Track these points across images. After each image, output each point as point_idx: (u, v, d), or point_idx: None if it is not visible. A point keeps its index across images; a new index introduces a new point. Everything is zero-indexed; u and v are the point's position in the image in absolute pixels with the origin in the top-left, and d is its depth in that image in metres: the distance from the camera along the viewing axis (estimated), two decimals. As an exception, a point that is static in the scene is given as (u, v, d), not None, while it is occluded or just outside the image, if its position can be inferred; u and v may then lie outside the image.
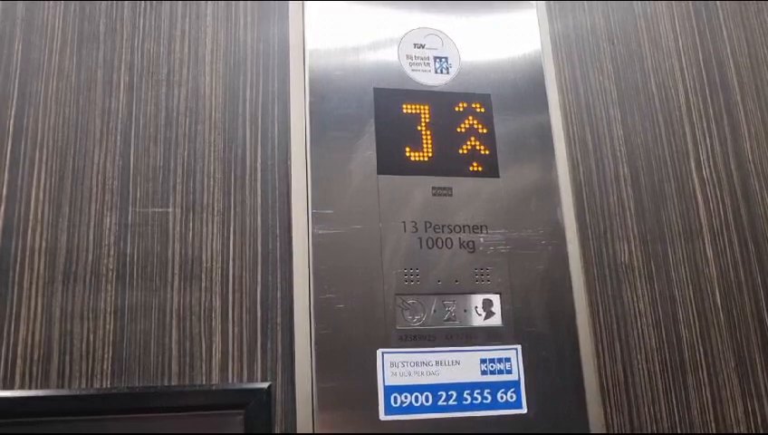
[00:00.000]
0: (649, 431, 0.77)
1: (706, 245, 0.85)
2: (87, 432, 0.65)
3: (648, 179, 0.86)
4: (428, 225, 0.77)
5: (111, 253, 0.71)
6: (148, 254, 0.71)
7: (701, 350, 0.81)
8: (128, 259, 0.71)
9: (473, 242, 0.77)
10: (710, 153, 0.88)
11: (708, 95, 0.91)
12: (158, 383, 0.68)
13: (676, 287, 0.82)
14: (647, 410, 0.77)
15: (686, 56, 0.92)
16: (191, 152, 0.75)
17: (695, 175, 0.87)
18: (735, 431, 0.79)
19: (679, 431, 0.77)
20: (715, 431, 0.78)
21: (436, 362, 0.73)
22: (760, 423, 0.79)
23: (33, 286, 0.68)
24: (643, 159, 0.86)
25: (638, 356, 0.79)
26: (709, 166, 0.88)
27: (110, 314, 0.69)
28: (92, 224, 0.71)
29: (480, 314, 0.75)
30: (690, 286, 0.83)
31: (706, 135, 0.89)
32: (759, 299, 0.84)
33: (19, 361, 0.66)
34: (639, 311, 0.81)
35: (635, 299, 0.81)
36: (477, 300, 0.76)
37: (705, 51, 0.93)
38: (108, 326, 0.69)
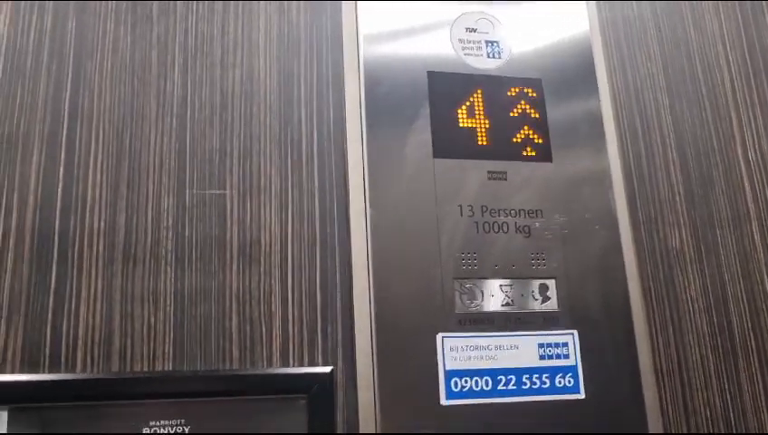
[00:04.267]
0: (703, 416, 0.77)
1: (754, 230, 0.85)
2: (149, 414, 0.64)
3: (697, 165, 0.86)
4: (485, 209, 0.76)
5: (170, 235, 0.70)
6: (207, 236, 0.70)
7: (752, 335, 0.81)
8: (186, 241, 0.70)
9: (528, 227, 0.77)
10: (756, 139, 0.88)
11: (753, 81, 0.91)
12: (219, 367, 0.67)
13: (726, 273, 0.82)
14: (700, 394, 0.77)
15: (730, 42, 0.92)
16: (247, 135, 0.74)
17: (741, 160, 0.87)
18: (786, 417, 0.79)
19: (732, 417, 0.77)
20: (766, 417, 0.78)
21: (495, 347, 0.72)
22: (810, 409, 0.80)
23: (93, 267, 0.67)
24: (691, 145, 0.86)
25: (691, 341, 0.79)
26: (755, 151, 0.88)
27: (170, 296, 0.68)
28: (150, 205, 0.70)
29: (537, 299, 0.75)
30: (739, 272, 0.83)
31: (752, 121, 0.89)
32: (806, 285, 0.84)
33: (80, 343, 0.65)
34: (691, 296, 0.81)
35: (686, 284, 0.81)
36: (534, 285, 0.75)
37: (748, 37, 0.93)
38: (168, 309, 0.68)
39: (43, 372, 0.64)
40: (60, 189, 0.69)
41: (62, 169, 0.69)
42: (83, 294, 0.66)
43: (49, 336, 0.65)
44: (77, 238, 0.68)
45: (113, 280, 0.67)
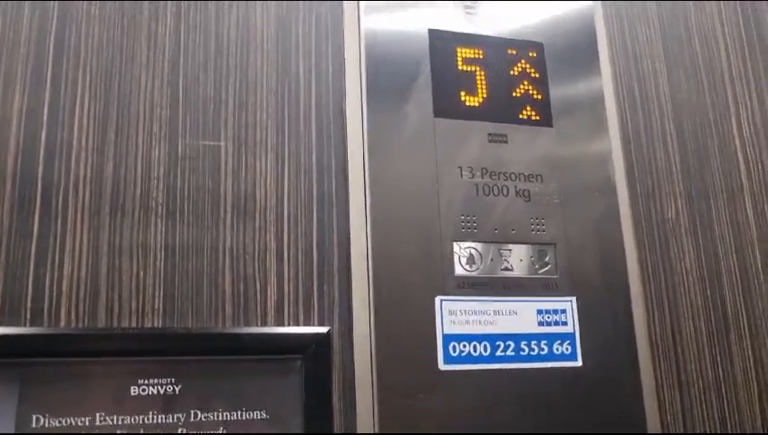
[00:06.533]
0: (696, 387, 0.76)
1: (747, 204, 0.84)
2: (138, 372, 0.61)
3: (693, 137, 0.85)
4: (485, 171, 0.74)
5: (161, 186, 0.66)
6: (200, 189, 0.67)
7: (743, 308, 0.80)
8: (178, 193, 0.66)
9: (528, 191, 0.75)
10: (750, 113, 0.88)
11: (748, 55, 0.90)
12: (211, 325, 0.64)
13: (720, 246, 0.82)
14: (693, 365, 0.77)
15: (726, 18, 0.91)
16: (243, 84, 0.71)
17: (735, 133, 0.87)
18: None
19: (723, 388, 0.77)
20: (756, 390, 0.78)
21: (494, 312, 0.71)
22: (796, 382, 0.80)
23: (79, 217, 0.63)
24: (687, 117, 0.86)
25: (685, 312, 0.78)
26: (749, 125, 0.87)
27: (161, 250, 0.65)
28: (140, 154, 0.66)
29: (536, 265, 0.74)
30: (733, 245, 0.82)
31: (746, 94, 0.89)
32: (795, 261, 0.84)
33: (64, 296, 0.61)
34: (686, 268, 0.80)
35: (681, 256, 0.80)
36: (533, 250, 0.74)
37: (744, 12, 0.92)
38: (158, 263, 0.64)
39: (24, 326, 0.60)
40: (44, 133, 0.64)
41: (46, 112, 0.65)
42: (68, 244, 0.62)
43: (31, 288, 0.61)
44: (62, 186, 0.64)
45: (100, 231, 0.63)
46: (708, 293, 0.80)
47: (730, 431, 0.76)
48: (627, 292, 0.75)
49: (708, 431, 0.75)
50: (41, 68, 0.66)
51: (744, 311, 0.80)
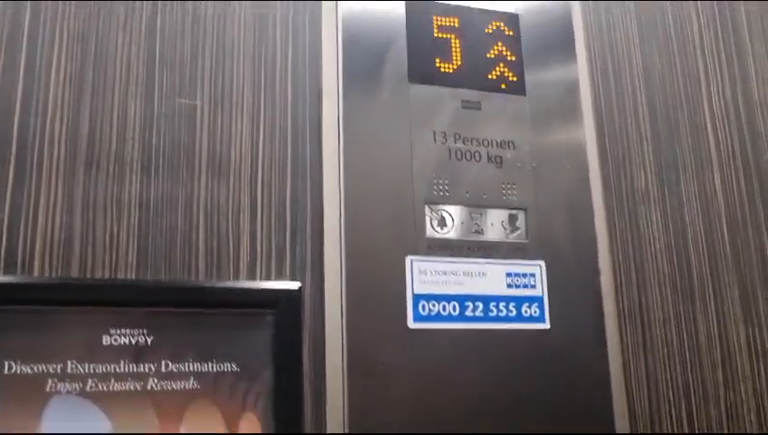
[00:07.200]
0: (661, 353, 0.78)
1: (715, 177, 0.86)
2: (110, 322, 0.62)
3: (663, 109, 0.87)
4: (458, 137, 0.76)
5: (136, 143, 0.67)
6: (175, 146, 0.68)
7: (709, 278, 0.82)
8: (153, 150, 0.67)
9: (500, 157, 0.76)
10: (720, 87, 0.90)
11: (720, 34, 0.92)
12: (184, 279, 0.65)
13: (687, 216, 0.84)
14: (659, 331, 0.79)
15: (700, -6, 0.93)
16: (219, 45, 0.72)
17: (706, 108, 0.88)
18: (738, 357, 0.81)
19: (687, 353, 0.79)
20: (719, 356, 0.80)
21: (464, 273, 0.72)
22: (759, 348, 0.82)
23: (54, 172, 0.64)
24: (659, 88, 0.87)
25: (652, 280, 0.80)
26: (719, 99, 0.89)
27: (135, 205, 0.66)
28: (116, 112, 0.67)
29: (506, 229, 0.75)
30: (700, 216, 0.84)
31: (717, 72, 0.90)
32: (761, 234, 0.86)
33: (38, 247, 0.62)
34: (653, 236, 0.82)
35: (649, 225, 0.82)
36: (503, 214, 0.75)
37: (717, -10, 0.94)
38: (132, 219, 0.65)
39: (-2, 275, 0.61)
40: (19, 91, 0.65)
41: (21, 70, 0.66)
42: (42, 199, 0.63)
43: (5, 240, 0.62)
44: (36, 142, 0.64)
45: (74, 186, 0.64)
46: (675, 260, 0.82)
47: (693, 395, 0.78)
48: (595, 258, 0.77)
49: (672, 395, 0.77)
50: (17, 28, 0.66)
51: (709, 279, 0.82)
